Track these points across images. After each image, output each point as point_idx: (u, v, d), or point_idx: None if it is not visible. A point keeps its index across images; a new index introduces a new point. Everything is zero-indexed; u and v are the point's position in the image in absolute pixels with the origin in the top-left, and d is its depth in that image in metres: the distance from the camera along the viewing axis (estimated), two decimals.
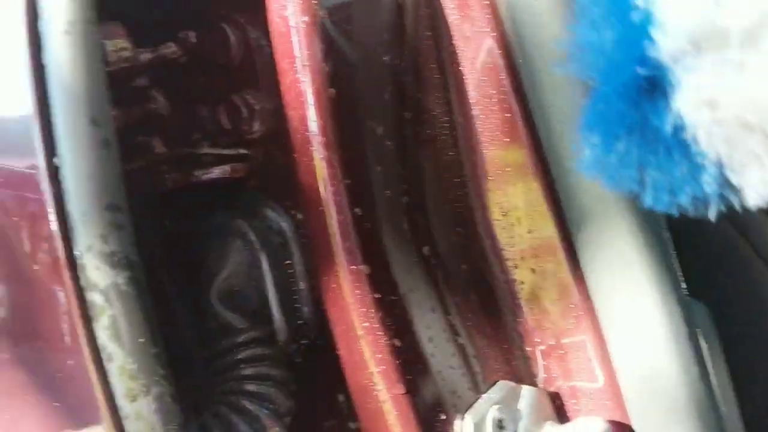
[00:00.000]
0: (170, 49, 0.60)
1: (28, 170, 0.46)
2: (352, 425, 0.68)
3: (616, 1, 0.43)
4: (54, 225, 0.45)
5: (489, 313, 0.71)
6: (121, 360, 0.46)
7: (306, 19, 0.52)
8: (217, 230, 0.65)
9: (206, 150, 0.65)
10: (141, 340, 0.46)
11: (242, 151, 0.64)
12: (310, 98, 0.54)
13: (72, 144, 0.44)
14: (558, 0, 0.54)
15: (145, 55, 0.59)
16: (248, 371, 0.61)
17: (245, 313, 0.64)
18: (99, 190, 0.44)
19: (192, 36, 0.60)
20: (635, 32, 0.41)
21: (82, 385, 0.48)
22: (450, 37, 0.65)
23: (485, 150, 0.68)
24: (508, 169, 0.69)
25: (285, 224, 0.65)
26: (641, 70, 0.41)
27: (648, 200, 0.44)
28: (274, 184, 0.64)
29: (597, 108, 0.45)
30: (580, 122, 0.46)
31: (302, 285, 0.66)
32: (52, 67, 0.43)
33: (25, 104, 0.45)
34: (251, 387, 0.60)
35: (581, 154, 0.47)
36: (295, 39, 0.52)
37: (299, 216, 0.64)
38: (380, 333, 0.57)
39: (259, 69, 0.59)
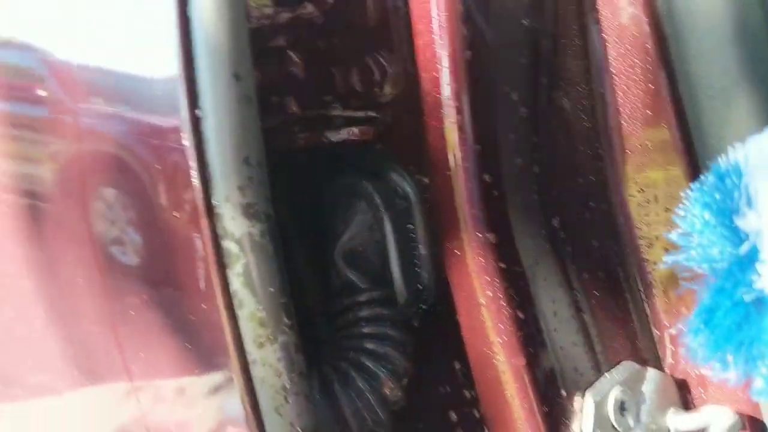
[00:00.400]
0: (308, 9, 0.61)
1: (171, 123, 0.48)
2: (467, 393, 0.68)
3: (725, 235, 0.47)
4: (194, 175, 0.47)
5: (616, 291, 0.68)
6: (252, 307, 0.48)
7: None
8: (344, 191, 0.65)
9: (337, 112, 0.65)
10: (271, 289, 0.48)
11: (371, 113, 0.64)
12: (444, 61, 0.53)
13: (215, 97, 0.45)
14: None
15: (284, 15, 0.60)
16: (368, 330, 0.61)
17: (367, 273, 0.64)
18: (239, 144, 0.46)
19: None
20: (742, 265, 0.46)
21: (213, 330, 0.51)
22: (594, 2, 0.62)
23: (624, 123, 0.65)
24: (649, 143, 0.66)
25: (410, 188, 0.65)
26: (748, 297, 0.46)
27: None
28: (401, 148, 0.64)
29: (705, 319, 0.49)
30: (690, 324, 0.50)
31: (423, 250, 0.66)
32: (197, 22, 0.45)
33: (169, 58, 0.47)
34: (371, 345, 0.61)
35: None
36: (433, 1, 0.51)
37: (425, 180, 0.64)
38: (503, 303, 0.56)
39: (394, 31, 0.59)
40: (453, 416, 0.68)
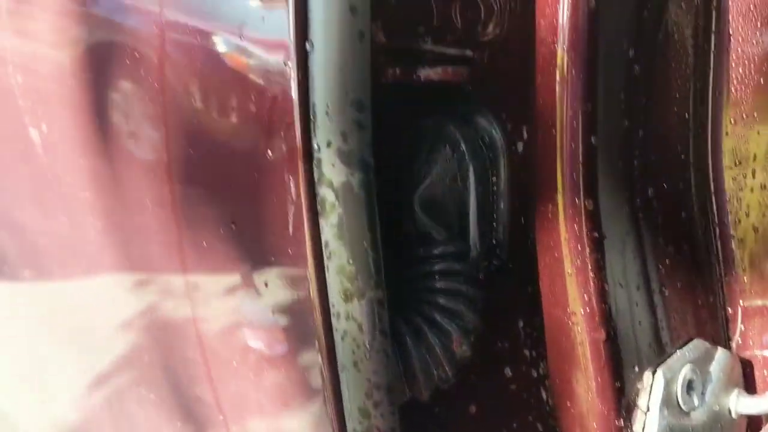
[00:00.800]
0: None
1: (275, 55, 0.44)
2: (526, 351, 0.67)
3: None
4: (296, 114, 0.43)
5: (696, 267, 0.66)
6: (343, 259, 0.45)
7: None
8: (428, 134, 0.62)
9: (429, 46, 0.61)
10: (365, 243, 0.45)
11: (468, 53, 0.59)
12: (565, 6, 0.48)
13: (328, 30, 0.41)
14: None
15: None
16: (442, 284, 0.59)
17: (443, 224, 0.61)
18: (348, 84, 0.42)
19: None
20: None
21: (296, 278, 0.48)
22: None
23: (733, 87, 0.60)
24: (756, 114, 0.61)
25: (498, 138, 0.61)
26: None
27: None
28: (494, 94, 0.60)
29: None
30: None
31: (503, 204, 0.63)
32: None
33: None
34: (443, 301, 0.59)
35: None
36: None
37: (514, 130, 0.60)
38: (592, 275, 0.53)
39: None
40: (508, 372, 0.66)
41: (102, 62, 0.62)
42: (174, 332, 0.66)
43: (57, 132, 0.70)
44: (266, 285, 0.52)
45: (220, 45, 0.46)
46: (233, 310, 0.59)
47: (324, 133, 0.43)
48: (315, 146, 0.43)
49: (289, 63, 0.43)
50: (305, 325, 0.49)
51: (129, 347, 0.74)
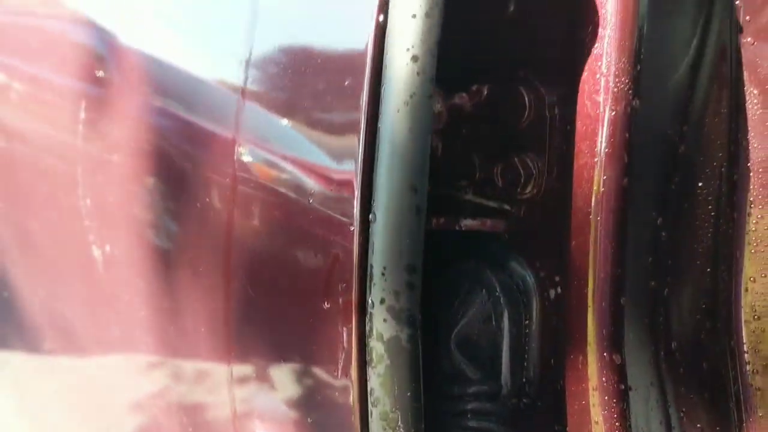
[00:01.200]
0: (462, 100, 0.62)
1: (340, 218, 0.49)
2: None
3: None
4: (354, 274, 0.48)
5: (718, 415, 0.68)
6: (387, 407, 0.49)
7: (617, 109, 0.51)
8: (467, 277, 0.66)
9: (470, 197, 0.66)
10: (408, 394, 0.49)
11: (506, 207, 0.65)
12: (599, 186, 0.53)
13: (390, 205, 0.46)
14: None
15: (438, 105, 0.61)
16: (474, 423, 0.62)
17: (477, 363, 0.65)
18: (403, 251, 0.47)
19: (485, 90, 0.61)
20: None
21: (341, 418, 0.52)
22: (746, 129, 0.62)
23: (752, 248, 0.65)
24: None
25: (532, 284, 0.66)
26: None
27: None
28: (529, 245, 0.64)
29: None
30: None
31: (534, 346, 0.66)
32: (385, 134, 0.46)
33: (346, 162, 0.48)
34: None
35: None
36: (600, 128, 0.52)
37: (547, 278, 0.65)
38: (618, 424, 0.56)
39: (548, 136, 0.59)
40: None
41: (172, 188, 0.68)
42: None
43: (119, 253, 0.76)
44: (309, 420, 0.55)
45: (295, 192, 0.52)
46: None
47: (378, 291, 0.47)
48: (369, 302, 0.48)
49: (353, 228, 0.48)
50: None
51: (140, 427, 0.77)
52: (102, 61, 0.74)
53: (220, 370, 0.63)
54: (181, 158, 0.65)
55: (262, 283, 0.57)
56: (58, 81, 0.81)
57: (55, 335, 0.90)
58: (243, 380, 0.62)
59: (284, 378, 0.56)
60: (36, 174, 0.86)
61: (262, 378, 0.58)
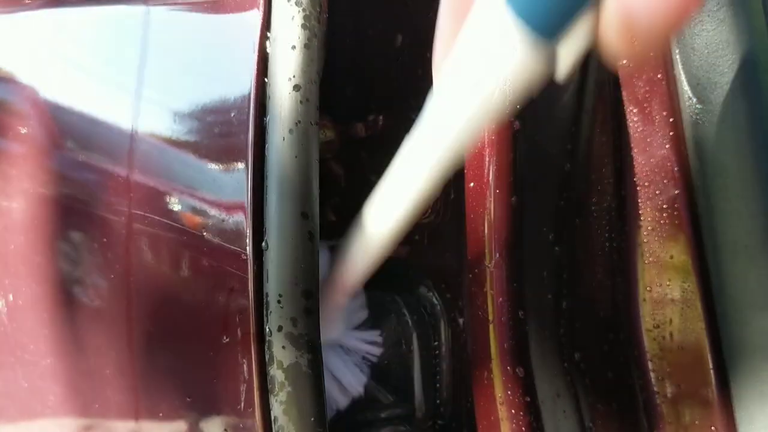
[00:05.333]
0: (358, 130, 0.63)
1: (233, 248, 0.49)
2: None
3: None
4: (251, 302, 0.48)
5: (627, 424, 0.70)
6: None
7: (500, 131, 0.53)
8: (374, 304, 0.67)
9: None
10: (312, 419, 0.49)
11: (409, 232, 0.66)
12: (492, 203, 0.55)
13: (281, 233, 0.47)
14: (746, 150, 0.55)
15: (334, 135, 0.62)
16: None
17: (390, 388, 0.66)
18: (298, 277, 0.47)
19: (380, 120, 0.63)
20: None
21: None
22: (629, 143, 0.65)
23: (646, 260, 0.68)
24: (668, 282, 0.69)
25: (438, 305, 0.67)
26: None
27: None
28: (433, 268, 0.66)
29: None
30: None
31: (444, 366, 0.67)
32: (272, 162, 0.47)
33: (236, 192, 0.49)
34: None
35: None
36: (487, 150, 0.54)
37: (453, 300, 0.66)
38: None
39: None
40: None
41: (71, 230, 0.67)
42: None
43: (22, 302, 0.73)
44: None
45: (189, 226, 0.52)
46: None
47: (276, 319, 0.48)
48: (267, 330, 0.48)
49: (247, 258, 0.48)
50: None
51: None
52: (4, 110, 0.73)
53: (125, 424, 0.62)
54: (77, 199, 0.64)
55: (163, 323, 0.56)
56: None
57: None
58: (150, 427, 0.60)
59: (190, 415, 0.56)
60: None
61: (168, 419, 0.57)
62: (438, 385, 0.67)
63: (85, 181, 0.60)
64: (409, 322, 0.65)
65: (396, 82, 0.64)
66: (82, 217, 0.63)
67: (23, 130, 0.72)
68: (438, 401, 0.67)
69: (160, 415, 0.60)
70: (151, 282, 0.56)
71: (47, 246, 0.68)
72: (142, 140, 0.53)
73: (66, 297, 0.68)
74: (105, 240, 0.59)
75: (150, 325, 0.56)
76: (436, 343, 0.66)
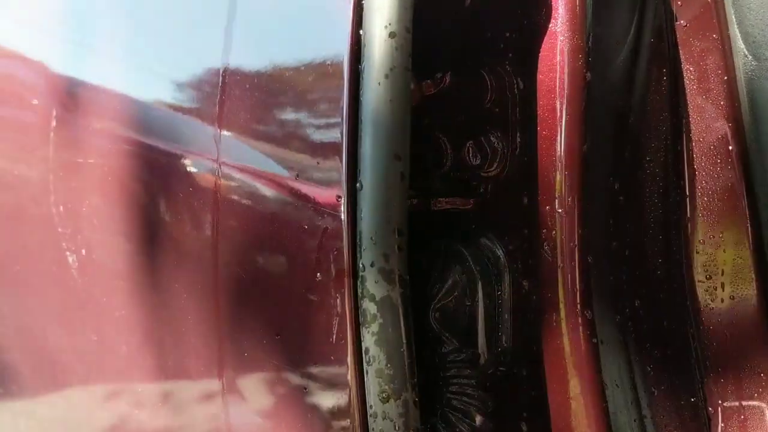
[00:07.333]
0: (428, 85, 0.66)
1: (327, 189, 0.52)
2: None
3: None
4: (344, 240, 0.51)
5: (678, 370, 0.73)
6: (382, 364, 0.52)
7: (574, 83, 0.56)
8: (440, 253, 0.70)
9: (439, 178, 0.70)
10: (402, 349, 0.52)
11: (474, 185, 0.69)
12: (561, 151, 0.58)
13: (375, 174, 0.50)
14: None
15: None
16: (455, 387, 0.66)
17: (455, 334, 0.69)
18: (391, 216, 0.50)
19: (448, 77, 0.66)
20: None
21: (335, 382, 0.55)
22: (685, 102, 0.68)
23: (700, 213, 0.70)
24: (721, 234, 0.71)
25: (502, 256, 0.70)
26: None
27: None
28: (497, 220, 0.69)
29: None
30: None
31: (506, 315, 0.70)
32: (367, 106, 0.50)
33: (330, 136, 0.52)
34: (457, 403, 0.65)
35: None
36: (560, 101, 0.56)
37: (516, 249, 0.69)
38: (592, 376, 0.60)
39: (510, 115, 0.64)
40: None
41: (149, 177, 0.70)
42: None
43: (95, 256, 0.77)
44: (305, 389, 0.58)
45: (282, 168, 0.55)
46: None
47: (369, 255, 0.51)
48: (360, 266, 0.51)
49: (341, 198, 0.51)
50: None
51: None
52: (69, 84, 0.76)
53: (209, 367, 0.65)
54: (163, 151, 0.67)
55: (253, 266, 0.59)
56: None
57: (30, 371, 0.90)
58: (234, 368, 0.63)
59: (278, 352, 0.59)
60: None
61: (254, 358, 0.60)
62: (500, 333, 0.70)
63: (173, 132, 0.63)
64: (474, 272, 0.68)
65: (464, 39, 0.66)
66: (168, 169, 0.66)
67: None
68: (499, 349, 0.70)
69: (245, 355, 0.63)
70: (240, 228, 0.59)
71: (130, 198, 0.71)
72: (232, 86, 0.56)
73: (146, 247, 0.71)
74: (191, 189, 0.62)
75: (238, 268, 0.59)
76: (498, 292, 0.69)
